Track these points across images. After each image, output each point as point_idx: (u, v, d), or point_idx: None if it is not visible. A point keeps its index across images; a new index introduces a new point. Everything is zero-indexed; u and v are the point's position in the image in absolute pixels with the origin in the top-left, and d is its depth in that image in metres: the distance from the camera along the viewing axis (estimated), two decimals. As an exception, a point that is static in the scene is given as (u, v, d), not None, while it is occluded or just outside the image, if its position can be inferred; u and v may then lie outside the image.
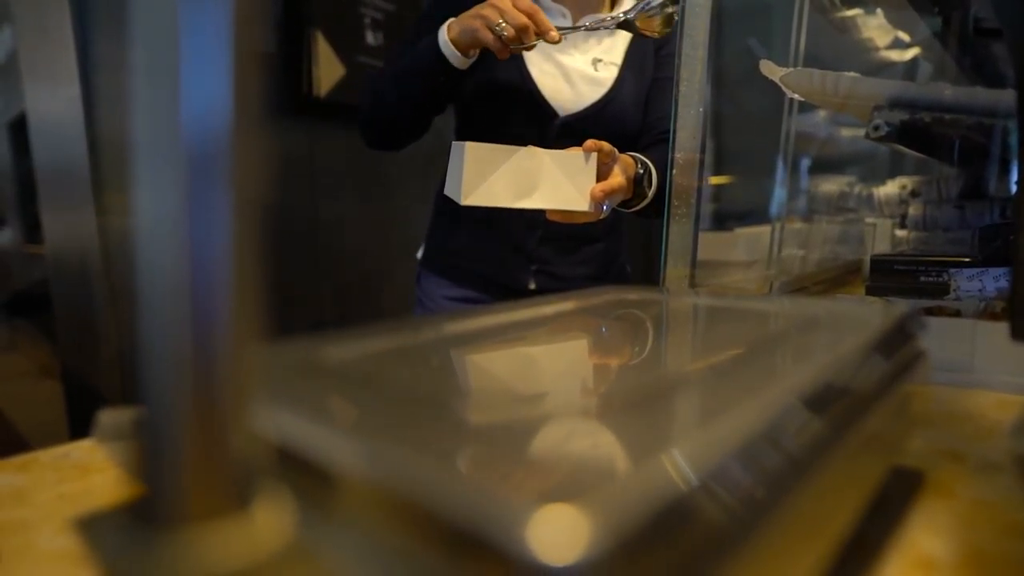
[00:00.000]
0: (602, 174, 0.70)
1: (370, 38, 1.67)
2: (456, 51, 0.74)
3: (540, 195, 0.67)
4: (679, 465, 0.14)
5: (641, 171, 0.77)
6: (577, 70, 0.88)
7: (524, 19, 0.69)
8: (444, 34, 0.74)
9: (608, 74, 0.89)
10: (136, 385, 0.15)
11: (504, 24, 0.69)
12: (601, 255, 0.98)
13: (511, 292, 0.93)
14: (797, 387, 0.20)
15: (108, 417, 0.23)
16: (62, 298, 1.47)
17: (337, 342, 0.26)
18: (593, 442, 0.16)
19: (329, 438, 0.16)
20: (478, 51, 0.75)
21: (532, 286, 0.93)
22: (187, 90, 0.14)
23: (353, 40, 1.62)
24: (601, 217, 0.71)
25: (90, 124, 1.25)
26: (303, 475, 0.15)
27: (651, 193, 0.78)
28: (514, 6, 0.69)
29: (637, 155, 0.78)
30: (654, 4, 0.72)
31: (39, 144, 1.45)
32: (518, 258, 0.92)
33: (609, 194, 0.69)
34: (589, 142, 0.68)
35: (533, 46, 0.71)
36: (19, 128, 1.75)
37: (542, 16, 0.70)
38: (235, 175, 0.15)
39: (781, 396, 0.20)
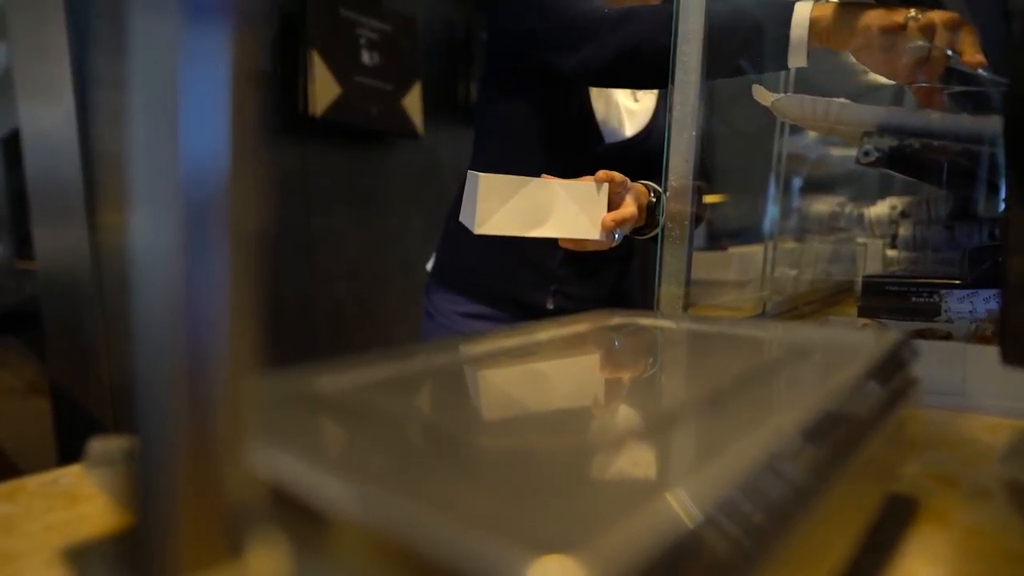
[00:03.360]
0: (614, 203, 0.70)
1: (366, 58, 1.68)
2: (808, 40, 0.58)
3: (552, 224, 0.67)
4: (677, 508, 0.13)
5: (654, 199, 0.77)
6: (620, 99, 0.89)
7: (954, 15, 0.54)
8: (806, 10, 0.59)
9: (647, 104, 0.90)
10: (130, 420, 0.15)
11: (921, 18, 0.54)
12: (616, 276, 0.99)
13: (528, 311, 0.92)
14: (795, 420, 0.20)
15: (99, 445, 0.23)
16: (52, 315, 1.46)
17: (333, 372, 0.26)
18: (592, 481, 0.16)
19: (324, 480, 0.15)
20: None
21: (550, 306, 0.93)
22: (186, 129, 0.14)
23: (349, 60, 1.63)
24: (613, 245, 0.72)
25: (84, 140, 1.25)
26: (297, 518, 0.15)
27: (663, 221, 0.78)
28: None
29: (650, 184, 0.79)
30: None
31: (32, 160, 1.45)
32: (538, 277, 0.92)
33: (620, 223, 0.69)
34: (600, 172, 0.69)
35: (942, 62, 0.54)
36: (12, 144, 1.74)
37: (973, 39, 0.55)
38: (232, 213, 0.15)
39: (780, 430, 0.20)
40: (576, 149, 0.87)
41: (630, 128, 0.88)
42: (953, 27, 0.55)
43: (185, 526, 0.13)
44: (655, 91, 0.91)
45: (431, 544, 0.12)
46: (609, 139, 0.87)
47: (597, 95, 0.86)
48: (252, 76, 0.14)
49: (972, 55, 0.55)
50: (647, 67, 0.71)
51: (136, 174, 0.14)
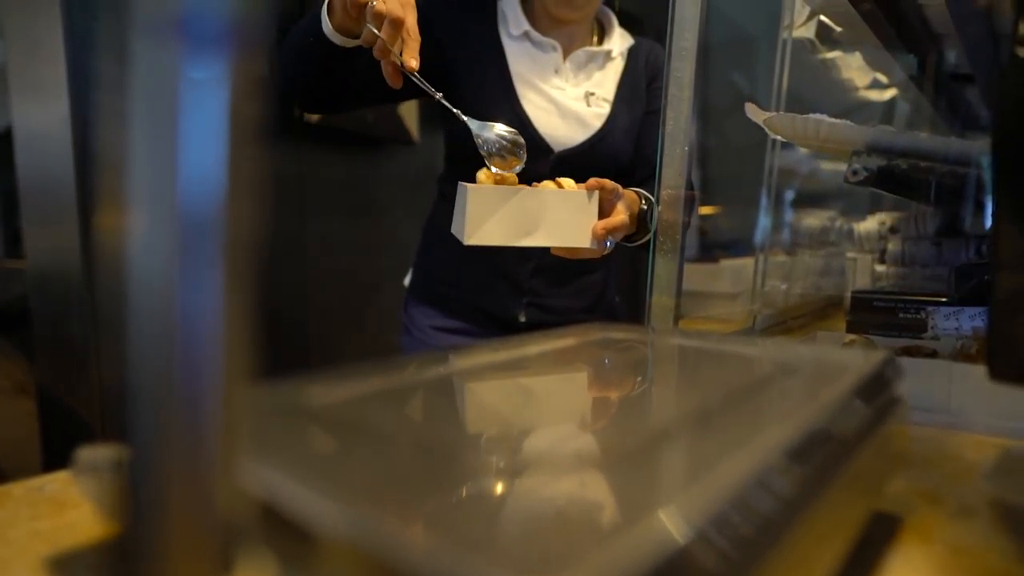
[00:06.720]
0: (605, 211, 0.70)
1: (362, 63, 1.68)
2: (331, 24, 0.70)
3: (543, 233, 0.67)
4: (665, 527, 0.14)
5: (645, 207, 0.77)
6: (571, 105, 0.89)
7: (400, 12, 0.63)
8: (325, 4, 0.71)
9: (601, 109, 0.90)
10: (120, 430, 0.15)
11: (375, 5, 0.63)
12: (593, 287, 0.98)
13: (501, 324, 0.92)
14: (782, 438, 0.21)
15: (87, 453, 0.23)
16: (41, 315, 1.45)
17: (324, 384, 0.26)
18: (578, 503, 0.16)
19: (312, 497, 0.15)
20: (360, 33, 0.67)
21: (523, 319, 0.92)
22: (185, 146, 0.14)
23: (345, 65, 1.63)
24: (604, 253, 0.72)
25: (77, 140, 1.25)
26: (285, 535, 0.15)
27: (653, 228, 0.79)
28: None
29: (641, 191, 0.79)
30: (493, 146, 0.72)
31: (24, 158, 1.44)
32: (510, 290, 0.92)
33: (611, 231, 0.69)
34: (592, 180, 0.69)
35: (392, 62, 0.65)
36: (4, 142, 1.73)
37: (413, 22, 0.65)
38: (229, 228, 0.15)
39: (767, 448, 0.20)
40: (527, 160, 0.87)
41: (583, 133, 0.89)
42: (395, 26, 0.64)
43: (174, 539, 0.13)
44: (610, 92, 0.91)
45: (417, 565, 0.12)
46: (559, 148, 0.87)
47: (537, 106, 0.87)
48: (253, 95, 0.14)
49: (408, 59, 0.65)
50: (306, 85, 0.82)
51: (135, 187, 0.14)
